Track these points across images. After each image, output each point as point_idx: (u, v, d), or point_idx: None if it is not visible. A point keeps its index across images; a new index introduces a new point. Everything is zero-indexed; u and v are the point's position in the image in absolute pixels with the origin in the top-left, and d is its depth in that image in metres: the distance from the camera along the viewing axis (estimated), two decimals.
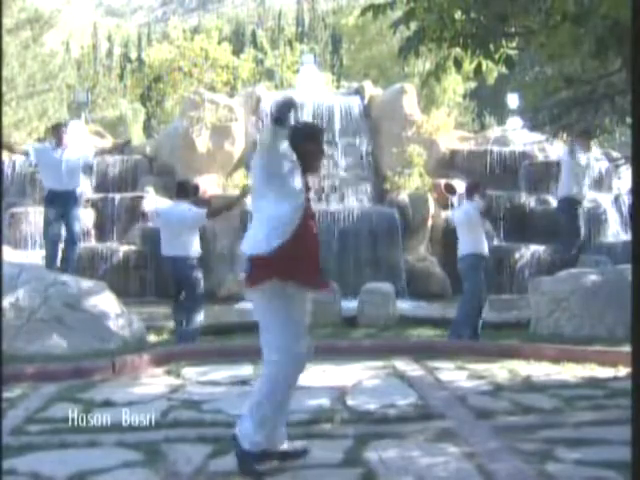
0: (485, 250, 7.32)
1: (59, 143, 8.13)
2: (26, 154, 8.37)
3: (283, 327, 3.36)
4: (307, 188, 3.51)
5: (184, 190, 7.33)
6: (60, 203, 8.12)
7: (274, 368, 3.35)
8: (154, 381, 5.53)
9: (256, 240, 3.37)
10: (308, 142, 3.51)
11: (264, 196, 3.40)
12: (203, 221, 7.30)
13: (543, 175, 12.82)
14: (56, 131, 8.31)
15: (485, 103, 29.25)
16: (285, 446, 3.49)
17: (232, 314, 9.29)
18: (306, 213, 3.43)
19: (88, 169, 12.43)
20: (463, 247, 7.31)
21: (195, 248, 7.16)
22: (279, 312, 3.37)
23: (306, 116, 13.63)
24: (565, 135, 10.18)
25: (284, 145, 3.35)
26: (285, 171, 3.37)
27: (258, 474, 3.32)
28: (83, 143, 9.51)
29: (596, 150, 11.76)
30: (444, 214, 11.46)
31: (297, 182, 3.40)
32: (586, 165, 9.45)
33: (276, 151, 3.33)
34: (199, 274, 7.15)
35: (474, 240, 7.26)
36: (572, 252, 9.31)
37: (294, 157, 3.42)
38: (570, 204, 9.40)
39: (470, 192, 7.44)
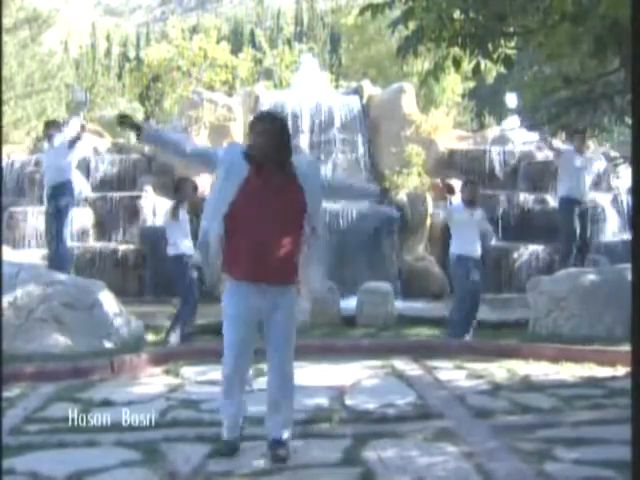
0: (470, 251, 7.15)
1: (48, 139, 8.23)
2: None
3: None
4: (267, 182, 3.49)
5: (183, 188, 7.39)
6: (53, 199, 8.20)
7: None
8: (153, 381, 5.54)
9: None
10: (250, 134, 3.60)
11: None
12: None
13: (542, 175, 12.82)
14: (45, 128, 8.42)
15: (484, 103, 29.26)
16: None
17: None
18: (245, 208, 3.47)
19: (85, 168, 12.45)
20: (451, 247, 7.34)
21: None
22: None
23: (305, 116, 13.63)
24: (564, 134, 10.18)
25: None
26: (218, 188, 3.58)
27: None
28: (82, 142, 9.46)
29: (596, 149, 11.74)
30: (441, 214, 11.45)
31: (225, 197, 3.51)
32: (584, 164, 9.35)
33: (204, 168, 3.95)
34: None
35: (458, 240, 7.23)
36: (570, 252, 9.23)
37: (225, 169, 3.53)
38: (568, 204, 9.34)
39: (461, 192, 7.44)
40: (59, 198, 8.30)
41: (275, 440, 3.57)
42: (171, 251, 7.11)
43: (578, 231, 9.33)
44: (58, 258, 8.35)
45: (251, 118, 3.84)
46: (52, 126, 8.39)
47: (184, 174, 9.80)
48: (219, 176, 3.57)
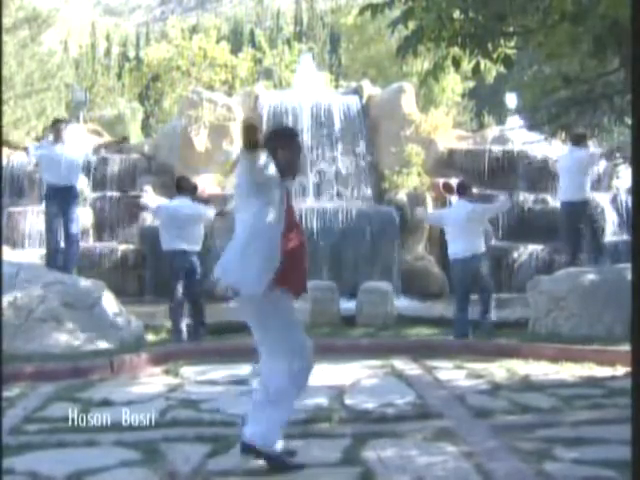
0: (463, 250, 7.06)
1: (57, 139, 8.11)
2: (26, 151, 8.35)
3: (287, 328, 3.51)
4: (288, 197, 3.52)
5: (185, 186, 7.42)
6: (60, 199, 8.09)
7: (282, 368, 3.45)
8: (152, 380, 5.54)
9: (244, 277, 3.39)
10: (284, 149, 3.50)
11: (246, 222, 3.44)
12: (211, 218, 7.58)
13: (541, 174, 12.82)
14: (55, 127, 8.30)
15: (484, 102, 29.27)
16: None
17: (230, 313, 9.27)
18: (289, 225, 3.44)
19: (86, 167, 12.44)
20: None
21: (199, 242, 7.35)
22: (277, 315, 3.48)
23: (305, 116, 13.64)
24: (563, 135, 10.16)
25: (259, 169, 3.33)
26: (265, 197, 3.38)
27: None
28: (82, 142, 9.44)
29: (596, 149, 11.72)
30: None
31: (276, 207, 3.39)
32: (586, 164, 9.12)
33: (252, 177, 3.37)
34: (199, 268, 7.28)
35: (450, 240, 7.21)
36: (576, 253, 8.98)
37: (270, 177, 3.37)
38: (573, 207, 9.07)
39: (458, 192, 7.39)
40: (74, 198, 8.27)
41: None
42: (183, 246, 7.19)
43: (584, 232, 9.07)
44: (72, 257, 8.29)
45: (279, 131, 3.78)
46: (59, 125, 8.32)
47: (183, 173, 9.83)
48: (267, 187, 3.40)
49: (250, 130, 3.27)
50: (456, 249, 7.10)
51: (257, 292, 3.36)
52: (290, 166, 3.52)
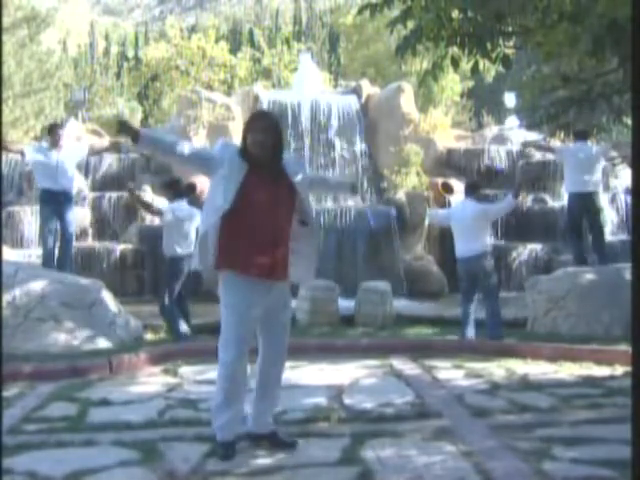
0: (464, 251, 7.07)
1: (55, 144, 8.08)
2: (22, 154, 8.33)
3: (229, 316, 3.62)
4: (265, 180, 3.57)
5: (179, 188, 7.39)
6: (55, 203, 8.08)
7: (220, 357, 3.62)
8: (151, 380, 5.53)
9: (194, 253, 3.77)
10: (247, 132, 3.64)
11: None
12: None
13: (540, 174, 12.83)
14: (52, 132, 8.27)
15: (482, 102, 29.25)
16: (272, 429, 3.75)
17: None
18: (243, 205, 3.51)
19: (85, 167, 12.44)
20: None
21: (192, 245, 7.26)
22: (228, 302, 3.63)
23: (304, 115, 13.64)
24: (562, 134, 10.16)
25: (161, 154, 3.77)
26: (217, 179, 3.61)
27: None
28: (80, 142, 9.41)
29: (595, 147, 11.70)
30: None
31: (224, 187, 3.54)
32: (590, 157, 8.96)
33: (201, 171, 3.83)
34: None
35: (458, 241, 7.18)
36: (580, 249, 8.85)
37: (223, 169, 3.56)
38: (572, 200, 8.97)
39: (467, 191, 7.38)
40: (69, 202, 8.28)
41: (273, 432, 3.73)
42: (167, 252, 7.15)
43: (586, 225, 8.91)
44: (67, 258, 8.29)
45: (248, 117, 3.87)
46: (56, 130, 8.30)
47: (181, 172, 9.83)
48: (217, 175, 3.59)
49: (118, 126, 3.56)
50: (462, 248, 7.09)
51: (197, 268, 3.65)
52: (252, 148, 3.59)
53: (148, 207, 7.84)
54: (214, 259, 3.55)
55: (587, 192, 8.52)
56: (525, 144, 10.95)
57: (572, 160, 8.64)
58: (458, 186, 10.50)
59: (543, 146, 10.76)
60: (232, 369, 3.56)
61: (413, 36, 4.93)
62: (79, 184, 10.68)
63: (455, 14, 4.99)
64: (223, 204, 3.50)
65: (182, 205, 7.28)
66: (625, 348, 5.71)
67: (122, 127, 3.55)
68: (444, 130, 14.27)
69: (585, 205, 8.56)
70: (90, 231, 12.11)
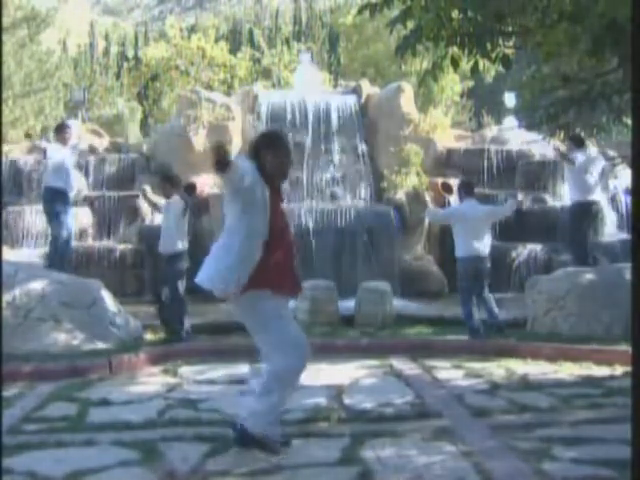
0: (465, 251, 7.03)
1: (64, 143, 8.15)
2: (44, 152, 8.43)
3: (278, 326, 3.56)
4: (275, 199, 3.55)
5: (175, 183, 7.39)
6: (61, 202, 8.15)
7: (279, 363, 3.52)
8: (151, 380, 5.54)
9: (215, 276, 3.50)
10: (269, 152, 3.53)
11: (227, 225, 3.55)
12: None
13: (540, 174, 12.82)
14: (62, 130, 8.32)
15: (482, 102, 29.24)
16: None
17: (227, 313, 9.27)
18: (275, 228, 3.48)
19: (85, 167, 12.43)
20: None
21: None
22: (267, 313, 3.54)
23: (304, 115, 13.63)
24: (562, 135, 10.13)
25: (239, 185, 3.37)
26: (246, 203, 3.43)
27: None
28: (76, 146, 9.39)
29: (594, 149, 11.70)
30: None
31: (258, 211, 3.44)
32: (590, 163, 8.99)
33: (235, 195, 3.44)
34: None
35: (459, 241, 7.17)
36: (582, 254, 8.85)
37: (251, 183, 3.39)
38: (580, 207, 8.98)
39: (465, 192, 7.37)
40: (69, 201, 8.33)
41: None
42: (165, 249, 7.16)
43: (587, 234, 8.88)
44: (65, 261, 8.33)
45: (264, 135, 3.75)
46: (64, 129, 8.34)
47: (182, 174, 9.81)
48: (242, 192, 3.42)
49: (215, 152, 3.27)
50: (463, 248, 7.08)
51: (226, 291, 3.46)
52: (275, 169, 3.55)
53: (156, 207, 8.06)
54: (247, 281, 3.45)
55: (582, 201, 8.63)
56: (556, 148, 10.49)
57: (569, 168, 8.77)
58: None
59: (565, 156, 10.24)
60: (301, 370, 3.58)
61: (413, 36, 4.92)
62: (79, 184, 10.66)
63: (455, 14, 4.99)
64: (263, 229, 3.45)
65: (178, 201, 7.25)
66: (625, 348, 5.71)
67: (219, 155, 3.25)
68: (444, 130, 14.24)
69: (581, 213, 8.68)
70: (90, 231, 12.10)
